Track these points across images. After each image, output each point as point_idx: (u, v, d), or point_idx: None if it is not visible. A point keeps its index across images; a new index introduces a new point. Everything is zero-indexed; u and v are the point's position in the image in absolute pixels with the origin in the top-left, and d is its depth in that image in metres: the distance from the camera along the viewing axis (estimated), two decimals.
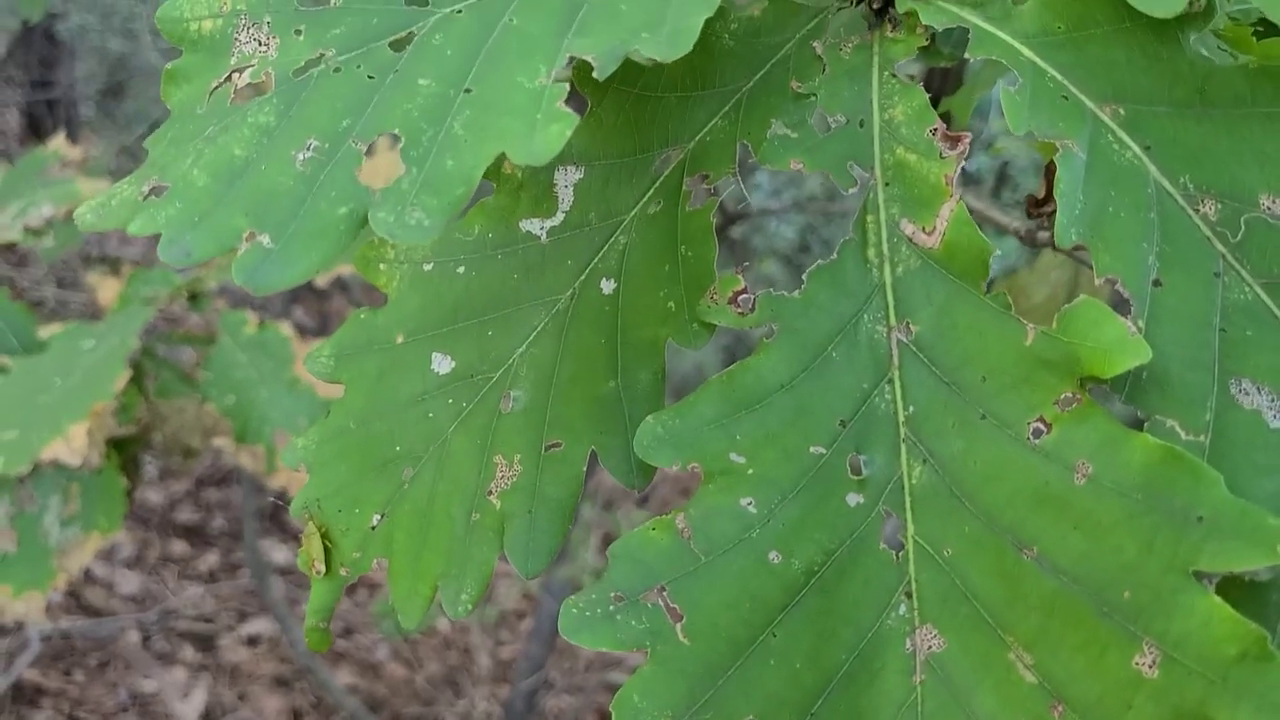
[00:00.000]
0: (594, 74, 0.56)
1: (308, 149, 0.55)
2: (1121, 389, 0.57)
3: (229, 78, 0.59)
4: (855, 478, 0.61)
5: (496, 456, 0.69)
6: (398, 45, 0.58)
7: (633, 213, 0.70)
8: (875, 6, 0.68)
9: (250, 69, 0.58)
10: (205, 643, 3.70)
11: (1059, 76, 0.62)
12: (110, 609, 3.72)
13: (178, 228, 0.54)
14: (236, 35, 0.60)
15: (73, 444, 1.72)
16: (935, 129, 0.64)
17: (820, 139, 0.66)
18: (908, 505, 0.60)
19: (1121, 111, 0.61)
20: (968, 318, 0.60)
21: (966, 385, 0.60)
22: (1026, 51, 0.63)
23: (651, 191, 0.69)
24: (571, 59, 0.56)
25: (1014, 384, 0.58)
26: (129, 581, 3.84)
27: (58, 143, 2.00)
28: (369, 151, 0.56)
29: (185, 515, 4.22)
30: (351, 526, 0.73)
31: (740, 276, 0.65)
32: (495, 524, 0.68)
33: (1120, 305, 0.58)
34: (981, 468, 0.58)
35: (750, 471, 0.61)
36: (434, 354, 0.72)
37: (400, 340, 0.73)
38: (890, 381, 0.62)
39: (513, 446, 0.69)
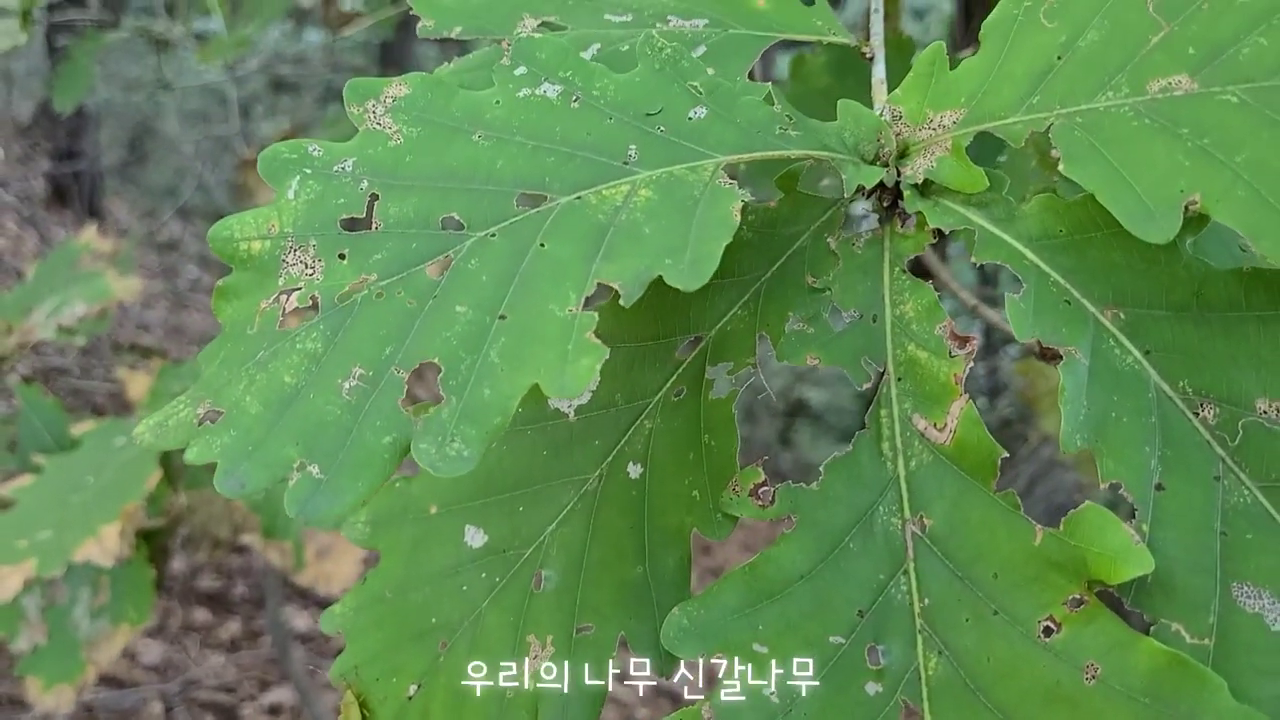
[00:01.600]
0: (621, 301, 0.59)
1: (353, 377, 0.59)
2: (1128, 593, 0.59)
3: (277, 299, 0.63)
4: (874, 667, 0.64)
5: (530, 636, 0.72)
6: (436, 270, 0.62)
7: (657, 397, 0.73)
8: (885, 204, 0.71)
9: (298, 292, 0.62)
10: (227, 713, 3.71)
11: (1061, 280, 0.65)
12: (133, 679, 3.74)
13: (233, 458, 0.58)
14: (284, 257, 0.63)
15: (105, 544, 1.76)
16: (945, 326, 0.67)
17: (835, 334, 0.69)
18: (925, 696, 0.63)
19: (1122, 316, 0.64)
20: (979, 514, 0.63)
21: (979, 581, 0.63)
22: (1030, 255, 0.66)
23: (675, 377, 0.73)
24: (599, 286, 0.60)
25: (1024, 582, 0.61)
26: (151, 651, 3.87)
27: (89, 234, 2.05)
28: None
29: (207, 582, 4.24)
30: (389, 695, 0.75)
31: (760, 469, 0.68)
32: (529, 704, 0.71)
33: (1121, 505, 0.61)
34: (995, 663, 0.61)
35: (773, 661, 0.64)
36: (467, 526, 0.76)
37: (434, 511, 0.77)
38: (906, 573, 0.65)
39: (545, 627, 0.72)
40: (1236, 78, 0.60)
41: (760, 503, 0.67)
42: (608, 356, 0.75)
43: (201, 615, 4.10)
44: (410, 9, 0.82)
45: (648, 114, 0.68)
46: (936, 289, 0.69)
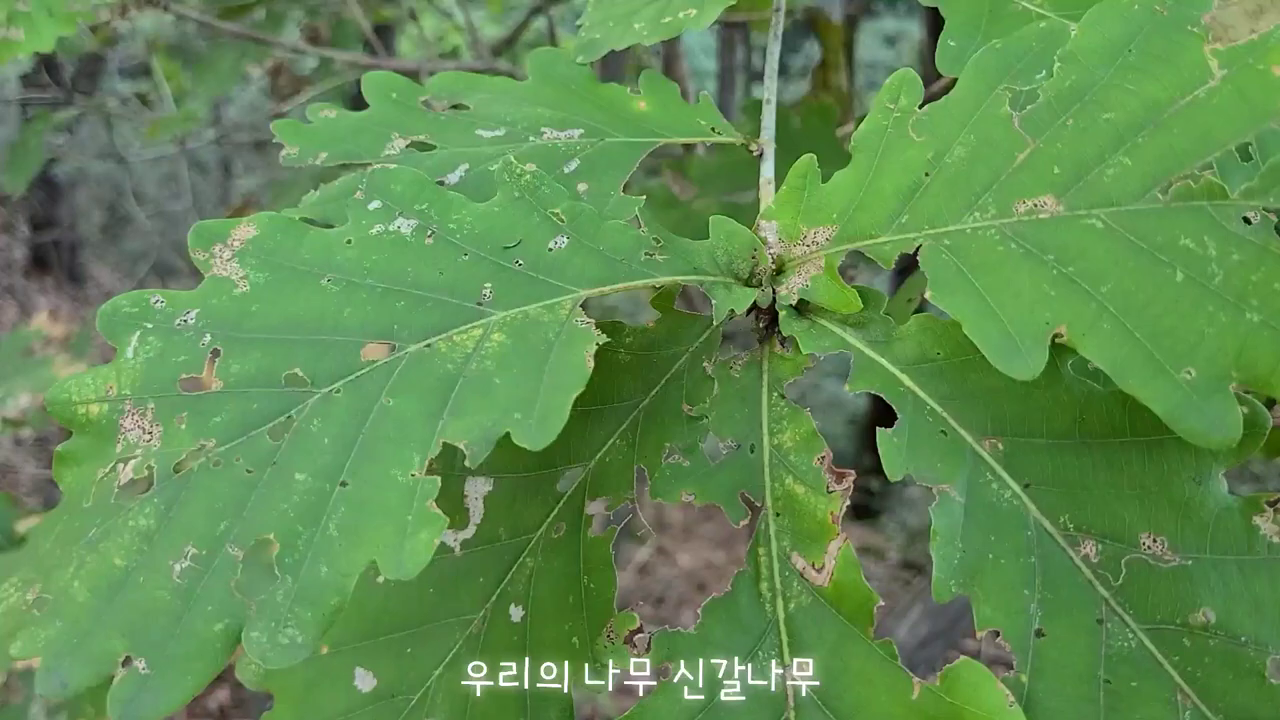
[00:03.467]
0: (467, 462, 0.57)
1: (185, 558, 0.56)
2: None
3: (114, 468, 0.60)
4: None
5: None
6: (276, 433, 0.59)
7: (539, 533, 0.70)
8: (762, 324, 0.68)
9: (135, 460, 0.59)
10: None
11: (938, 408, 0.62)
12: None
13: (56, 653, 0.55)
14: (122, 421, 0.61)
15: None
16: (823, 457, 0.64)
17: (711, 468, 0.66)
18: None
19: (1001, 446, 0.61)
20: (858, 664, 0.60)
21: None
22: (906, 380, 0.63)
23: (556, 512, 0.70)
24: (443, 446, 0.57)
25: None
26: None
27: (40, 320, 2.03)
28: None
29: None
30: None
31: (635, 614, 0.65)
32: None
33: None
34: None
35: None
36: (357, 668, 0.72)
37: (325, 651, 0.74)
38: None
39: None
40: (1101, 201, 0.57)
41: (635, 650, 0.64)
42: (491, 488, 0.73)
43: None
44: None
45: (505, 247, 0.65)
46: None
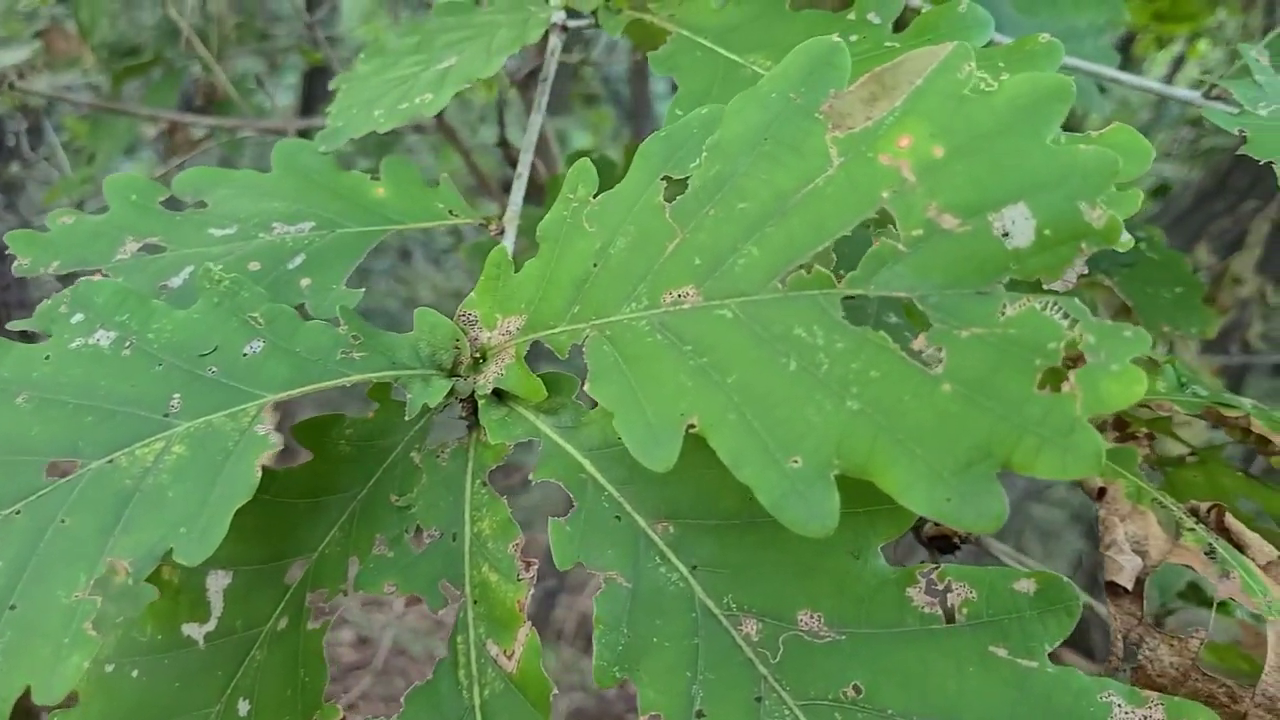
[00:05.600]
0: (129, 581, 0.58)
1: None
2: None
3: None
4: None
5: None
6: None
7: (268, 625, 0.71)
8: (468, 413, 0.70)
9: None
10: None
11: (615, 493, 0.64)
12: None
13: None
14: None
15: None
16: (517, 544, 0.66)
17: (414, 557, 0.68)
18: None
19: (672, 529, 0.63)
20: None
21: None
22: (588, 466, 0.65)
23: (283, 604, 0.71)
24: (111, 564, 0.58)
25: None
26: None
27: None
28: None
29: None
30: None
31: (339, 706, 0.66)
32: None
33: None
34: None
35: None
36: None
37: None
38: None
39: None
40: (732, 291, 0.59)
41: None
42: (230, 581, 0.74)
43: None
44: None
45: (201, 355, 0.67)
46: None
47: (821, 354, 0.55)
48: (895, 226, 0.55)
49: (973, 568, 0.59)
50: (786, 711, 0.59)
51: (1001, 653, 0.57)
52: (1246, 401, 0.94)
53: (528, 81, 1.39)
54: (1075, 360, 0.51)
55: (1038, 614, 0.58)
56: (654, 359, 0.60)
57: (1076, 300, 0.52)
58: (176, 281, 0.76)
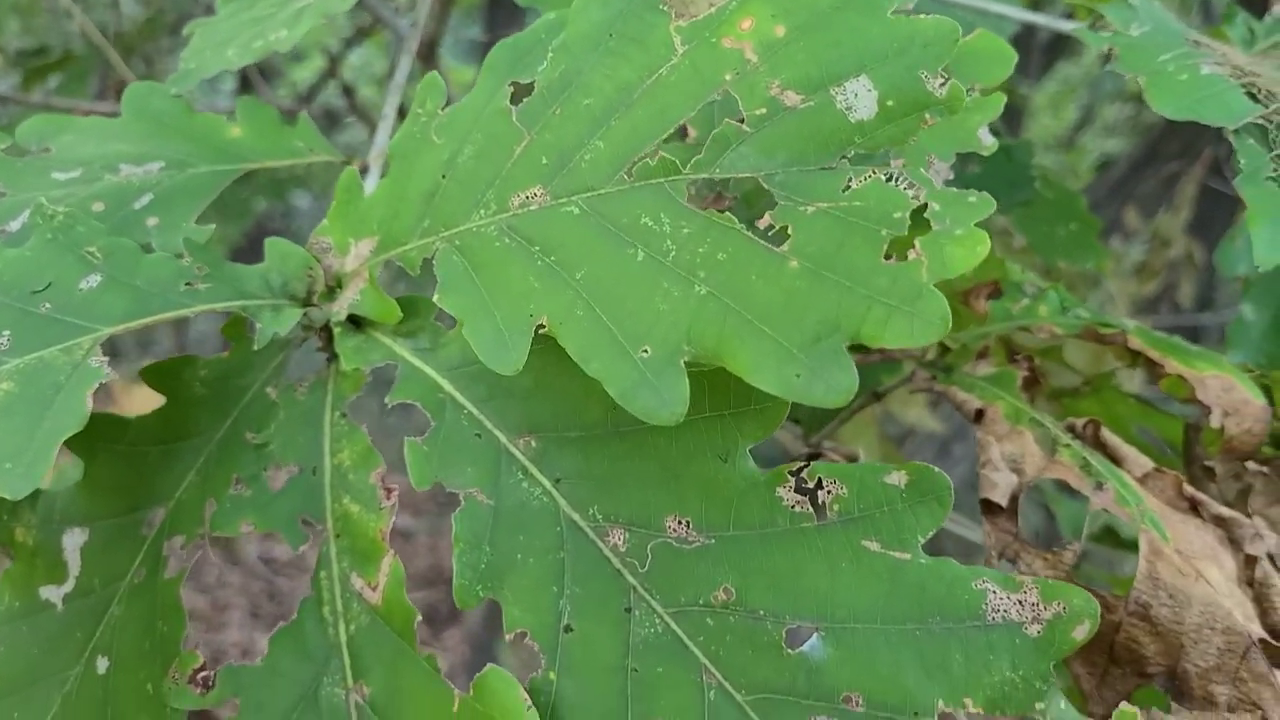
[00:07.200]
0: None
1: None
2: None
3: None
4: None
5: None
6: None
7: (126, 579, 0.68)
8: (319, 346, 0.67)
9: None
10: None
11: (475, 411, 0.61)
12: None
13: None
14: None
15: None
16: (378, 473, 0.63)
17: (272, 495, 0.65)
18: None
19: (534, 444, 0.60)
20: (408, 681, 0.59)
21: None
22: (447, 385, 0.63)
23: (141, 556, 0.68)
24: None
25: None
26: None
27: None
28: None
29: None
30: None
31: (198, 653, 0.63)
32: None
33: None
34: None
35: None
36: None
37: None
38: None
39: None
40: (579, 187, 0.57)
41: (199, 689, 0.62)
42: (87, 538, 0.70)
43: None
44: None
45: (33, 291, 0.63)
46: None
47: (669, 240, 0.53)
48: (740, 108, 0.54)
49: (843, 465, 0.58)
50: (657, 620, 0.57)
51: (874, 546, 0.56)
52: (1130, 323, 0.95)
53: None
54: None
55: (909, 505, 0.56)
56: (502, 264, 0.58)
57: (922, 169, 0.51)
58: (14, 226, 0.72)
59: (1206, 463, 0.88)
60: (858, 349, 0.97)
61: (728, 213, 0.52)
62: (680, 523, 0.58)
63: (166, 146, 0.77)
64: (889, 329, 0.49)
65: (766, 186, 0.52)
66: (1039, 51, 3.15)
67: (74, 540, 0.69)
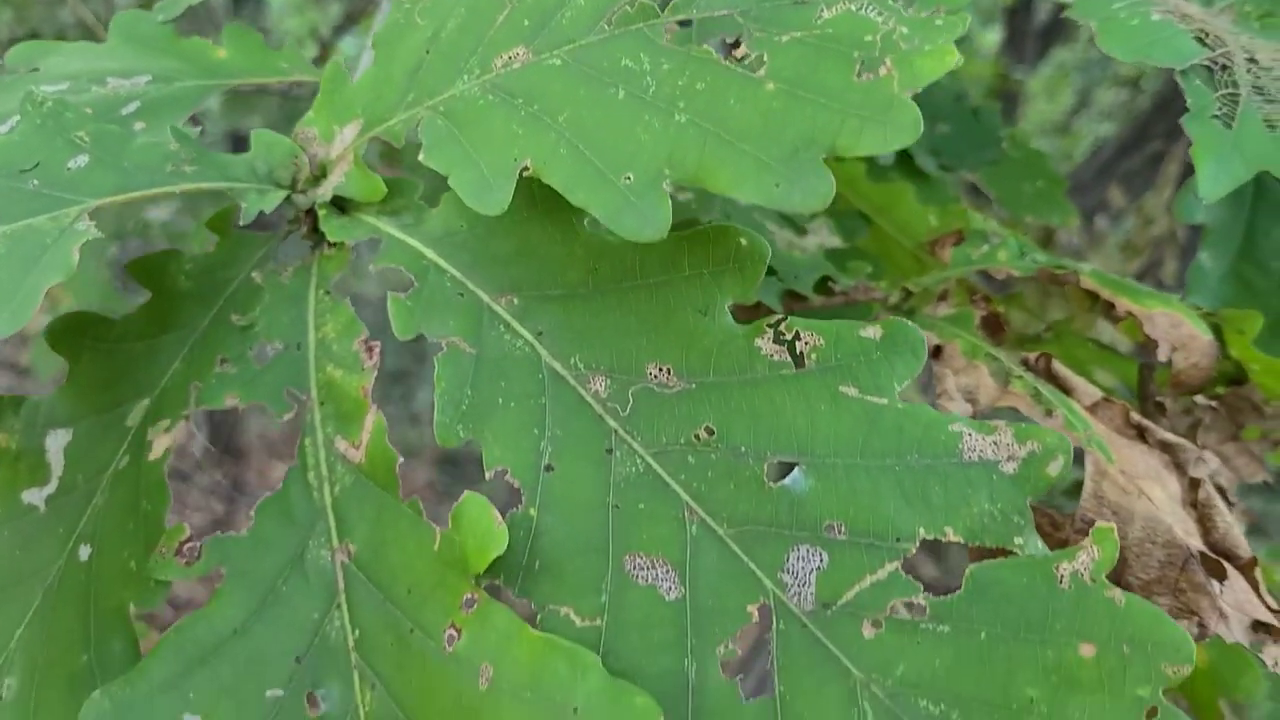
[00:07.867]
0: None
1: None
2: (514, 583, 0.55)
3: None
4: (314, 714, 0.59)
5: None
6: None
7: (110, 471, 0.68)
8: (303, 232, 0.68)
9: None
10: None
11: (459, 275, 0.63)
12: None
13: None
14: None
15: None
16: (361, 340, 0.64)
17: (257, 370, 0.66)
18: None
19: (516, 301, 0.61)
20: (393, 530, 0.59)
21: (398, 600, 0.58)
22: (430, 254, 0.64)
23: (125, 447, 0.68)
24: None
25: (431, 591, 0.57)
26: None
27: None
28: None
29: None
30: None
31: (185, 525, 0.63)
32: None
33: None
34: (415, 687, 0.56)
35: None
36: None
37: None
38: (339, 607, 0.60)
39: None
40: (561, 41, 0.59)
41: (185, 560, 0.62)
42: (70, 438, 0.70)
43: None
44: None
45: (21, 171, 0.64)
46: None
47: (649, 78, 0.55)
48: None
49: (819, 320, 0.59)
50: (638, 459, 0.57)
51: (851, 392, 0.57)
52: (1085, 266, 0.97)
53: None
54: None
55: (885, 355, 0.58)
56: (486, 119, 0.60)
57: (890, 0, 0.53)
58: (2, 129, 0.73)
59: (1159, 399, 0.90)
60: (823, 291, 0.99)
61: (706, 46, 0.54)
62: (661, 369, 0.59)
63: (154, 64, 0.79)
64: (863, 139, 0.51)
65: (741, 21, 0.55)
66: (1034, 37, 3.22)
67: (57, 441, 0.69)
